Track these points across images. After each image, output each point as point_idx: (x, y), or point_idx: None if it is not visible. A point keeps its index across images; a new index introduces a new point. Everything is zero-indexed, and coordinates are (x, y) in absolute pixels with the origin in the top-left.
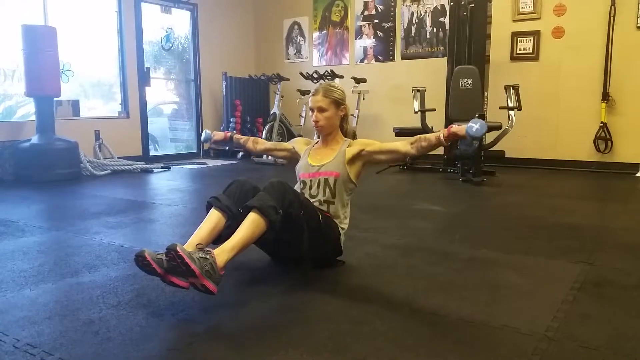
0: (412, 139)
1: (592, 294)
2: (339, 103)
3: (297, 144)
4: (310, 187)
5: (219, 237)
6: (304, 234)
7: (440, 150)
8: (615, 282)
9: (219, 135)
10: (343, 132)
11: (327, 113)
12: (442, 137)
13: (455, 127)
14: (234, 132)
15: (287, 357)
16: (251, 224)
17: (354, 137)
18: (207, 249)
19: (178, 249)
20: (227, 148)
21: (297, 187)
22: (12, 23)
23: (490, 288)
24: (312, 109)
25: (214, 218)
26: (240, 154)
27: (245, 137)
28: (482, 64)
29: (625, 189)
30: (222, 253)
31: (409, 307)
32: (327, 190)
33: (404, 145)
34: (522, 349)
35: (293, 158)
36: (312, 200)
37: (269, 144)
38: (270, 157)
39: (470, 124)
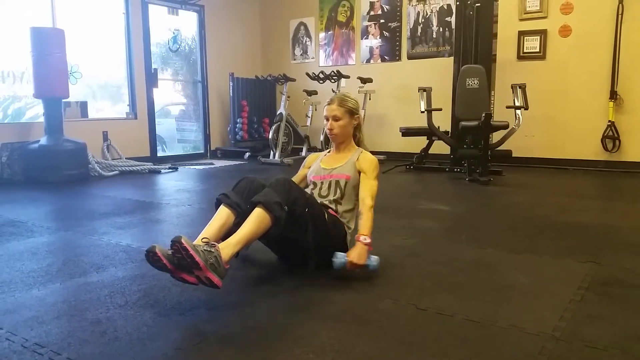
0: (366, 208)
1: (599, 293)
2: (353, 112)
3: (308, 159)
4: (321, 188)
5: (228, 234)
6: (308, 231)
7: (446, 150)
8: (623, 281)
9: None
10: (356, 140)
11: (341, 122)
12: (361, 241)
13: (357, 259)
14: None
15: (293, 357)
16: (256, 219)
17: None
18: (212, 243)
19: (183, 240)
20: None
21: (308, 188)
22: (20, 26)
23: (497, 288)
24: (327, 118)
25: (223, 214)
26: (247, 154)
27: None
28: (488, 63)
29: (633, 188)
30: (227, 247)
31: (415, 306)
32: (338, 190)
33: (363, 202)
34: (528, 349)
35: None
36: (321, 199)
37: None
38: (277, 157)
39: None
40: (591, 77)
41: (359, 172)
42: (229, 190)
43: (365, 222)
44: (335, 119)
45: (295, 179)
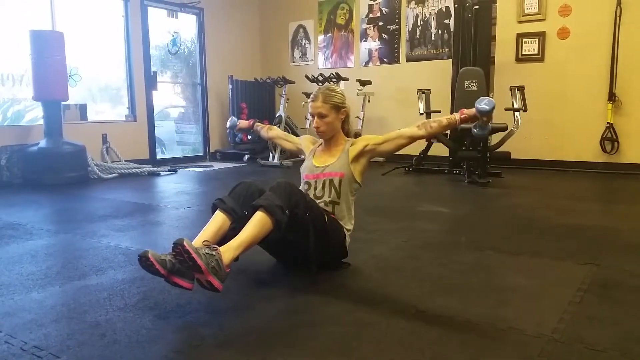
0: (419, 122)
1: (599, 295)
2: (339, 107)
3: (304, 141)
4: (315, 188)
5: (224, 239)
6: (309, 234)
7: (445, 152)
8: (622, 283)
9: (243, 123)
10: (345, 132)
11: (327, 119)
12: (458, 119)
13: (467, 110)
14: (257, 120)
15: None
16: (258, 222)
17: (356, 137)
18: (214, 246)
19: (185, 243)
20: (249, 137)
21: (302, 188)
22: (20, 28)
23: (496, 289)
24: (312, 115)
25: (219, 220)
26: (246, 156)
27: (262, 125)
28: (487, 66)
29: (631, 190)
30: (228, 250)
31: (414, 308)
32: (333, 190)
33: (410, 129)
34: (528, 350)
35: (298, 153)
36: (317, 201)
37: (280, 132)
38: (276, 160)
39: (477, 104)
40: (589, 79)
41: (357, 158)
42: (225, 195)
43: (440, 118)
44: (321, 116)
45: (282, 133)
